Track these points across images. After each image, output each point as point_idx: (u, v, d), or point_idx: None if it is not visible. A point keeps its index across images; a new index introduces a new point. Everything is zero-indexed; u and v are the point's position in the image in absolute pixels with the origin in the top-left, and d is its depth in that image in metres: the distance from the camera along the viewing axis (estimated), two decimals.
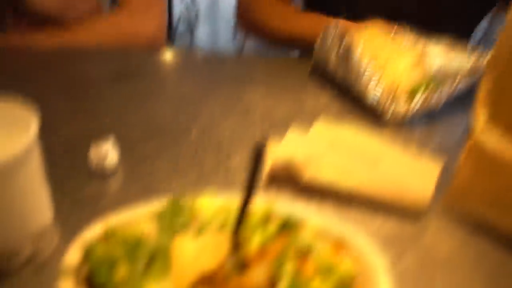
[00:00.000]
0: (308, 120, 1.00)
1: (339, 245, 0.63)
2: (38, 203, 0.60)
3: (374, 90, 1.05)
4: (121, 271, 0.51)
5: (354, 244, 0.62)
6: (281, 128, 0.95)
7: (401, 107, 1.04)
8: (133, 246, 0.53)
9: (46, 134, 0.91)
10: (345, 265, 0.60)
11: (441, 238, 0.76)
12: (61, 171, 0.82)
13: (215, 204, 0.63)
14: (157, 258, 0.52)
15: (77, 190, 0.77)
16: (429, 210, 0.80)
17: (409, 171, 0.86)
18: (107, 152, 0.79)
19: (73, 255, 0.55)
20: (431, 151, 0.94)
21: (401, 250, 0.72)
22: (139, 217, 0.61)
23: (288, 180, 0.82)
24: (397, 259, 0.71)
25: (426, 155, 0.92)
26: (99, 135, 0.86)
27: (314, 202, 0.81)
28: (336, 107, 1.13)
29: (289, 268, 0.53)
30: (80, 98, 1.09)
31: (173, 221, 0.58)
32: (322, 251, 0.60)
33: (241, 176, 0.84)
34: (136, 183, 0.81)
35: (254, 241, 0.56)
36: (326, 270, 0.58)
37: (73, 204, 0.74)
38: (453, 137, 1.07)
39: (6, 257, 0.60)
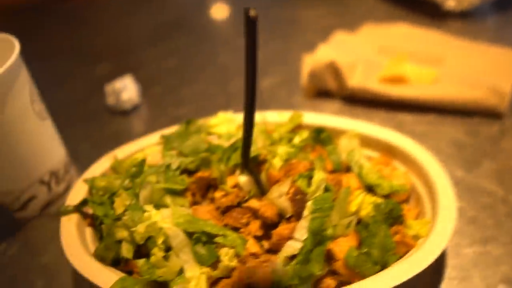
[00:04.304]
0: (354, 26, 0.86)
1: (389, 154, 0.52)
2: (41, 144, 0.54)
3: None
4: (121, 202, 0.43)
5: (407, 153, 0.50)
6: (324, 38, 0.82)
7: None
8: (133, 174, 0.45)
9: (72, 79, 0.89)
10: (396, 178, 0.48)
11: None
12: (81, 115, 0.77)
13: (232, 122, 0.54)
14: (161, 185, 0.44)
15: (97, 131, 0.72)
16: (508, 109, 0.65)
17: (480, 67, 0.70)
18: (124, 87, 0.72)
19: (77, 193, 0.50)
20: (506, 46, 0.76)
21: (475, 158, 0.59)
22: (147, 145, 0.54)
23: (331, 85, 0.70)
24: (469, 169, 0.57)
25: (500, 49, 0.75)
26: (123, 74, 0.79)
27: (362, 111, 0.68)
28: (385, 8, 0.97)
29: (317, 180, 0.42)
30: (105, 38, 1.04)
31: (182, 143, 0.49)
32: (367, 164, 0.49)
33: (275, 97, 0.74)
34: (162, 115, 0.74)
35: (278, 156, 0.46)
36: (372, 184, 0.47)
37: (93, 145, 0.69)
38: None
39: (22, 203, 0.56)
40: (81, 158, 0.66)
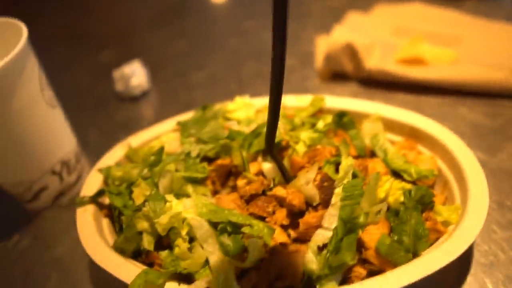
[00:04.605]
0: (365, 7, 0.84)
1: (414, 138, 0.50)
2: (52, 133, 0.52)
3: None
4: (141, 192, 0.42)
5: (433, 137, 0.48)
6: (335, 19, 0.79)
7: None
8: (151, 163, 0.44)
9: (74, 66, 0.87)
10: (421, 163, 0.47)
11: None
12: (91, 101, 0.75)
13: (250, 107, 0.52)
14: (181, 173, 0.43)
15: (106, 119, 0.70)
16: None
17: (499, 47, 0.68)
18: (132, 73, 0.69)
19: (91, 183, 0.48)
20: None
21: (497, 142, 0.57)
22: (162, 132, 0.52)
23: (348, 67, 0.68)
24: (491, 152, 0.56)
25: None
26: (129, 59, 0.77)
27: (380, 94, 0.66)
28: None
29: (345, 165, 0.40)
30: (107, 23, 1.01)
31: (200, 129, 0.47)
32: (391, 149, 0.48)
33: (289, 80, 0.72)
34: (172, 101, 0.72)
35: (301, 142, 0.45)
36: (399, 169, 0.45)
37: (103, 133, 0.67)
38: None
39: (33, 193, 0.54)
40: (91, 147, 0.64)
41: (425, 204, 0.41)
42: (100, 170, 0.48)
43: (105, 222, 0.46)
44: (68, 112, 0.58)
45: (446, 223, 0.41)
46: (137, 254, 0.42)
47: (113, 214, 0.44)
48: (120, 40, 0.93)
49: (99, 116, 0.71)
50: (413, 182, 0.44)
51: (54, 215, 0.56)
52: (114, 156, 0.51)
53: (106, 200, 0.48)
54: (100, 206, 0.47)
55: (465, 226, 0.39)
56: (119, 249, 0.42)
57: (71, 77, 0.83)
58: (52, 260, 0.51)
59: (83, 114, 0.71)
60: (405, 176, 0.45)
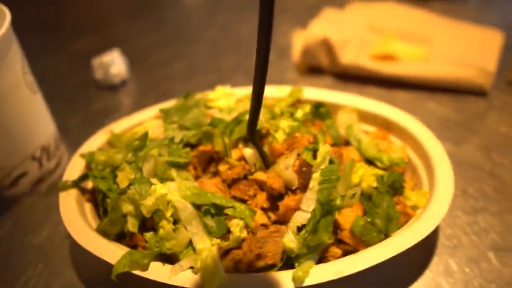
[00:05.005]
0: (342, 4, 0.87)
1: (386, 129, 0.53)
2: (33, 118, 0.52)
3: None
4: (125, 176, 0.43)
5: (404, 128, 0.51)
6: (311, 17, 0.82)
7: None
8: (136, 147, 0.45)
9: (50, 53, 0.86)
10: (393, 152, 0.50)
11: (508, 118, 0.63)
12: (68, 89, 0.75)
13: (231, 96, 0.53)
14: (164, 158, 0.44)
15: (85, 106, 0.70)
16: (492, 87, 0.67)
17: (466, 46, 0.72)
18: (112, 61, 0.70)
19: (73, 168, 0.49)
20: (489, 26, 0.79)
21: (462, 134, 0.61)
22: (144, 119, 0.53)
23: (324, 61, 0.71)
24: (457, 143, 0.59)
25: (481, 28, 0.77)
26: (107, 48, 0.77)
27: (354, 87, 0.69)
28: None
29: (323, 152, 0.42)
30: (84, 11, 1.00)
31: (182, 117, 0.49)
32: (365, 138, 0.50)
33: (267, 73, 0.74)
34: (151, 90, 0.73)
35: (280, 130, 0.47)
36: (372, 157, 0.48)
37: (82, 121, 0.67)
38: None
39: (13, 179, 0.54)
40: (69, 134, 0.64)
41: (396, 189, 0.43)
42: (82, 155, 0.49)
43: (88, 206, 0.47)
44: (47, 100, 0.58)
45: (414, 207, 0.44)
46: (121, 237, 0.43)
47: (97, 198, 0.44)
48: (98, 29, 0.93)
49: (78, 104, 0.71)
50: (385, 169, 0.47)
51: (33, 202, 0.56)
52: (95, 142, 0.52)
53: (88, 185, 0.48)
54: (82, 191, 0.47)
55: (432, 209, 0.42)
56: (103, 232, 0.43)
57: (49, 65, 0.82)
58: (32, 246, 0.51)
59: (61, 102, 0.71)
60: (378, 164, 0.47)
